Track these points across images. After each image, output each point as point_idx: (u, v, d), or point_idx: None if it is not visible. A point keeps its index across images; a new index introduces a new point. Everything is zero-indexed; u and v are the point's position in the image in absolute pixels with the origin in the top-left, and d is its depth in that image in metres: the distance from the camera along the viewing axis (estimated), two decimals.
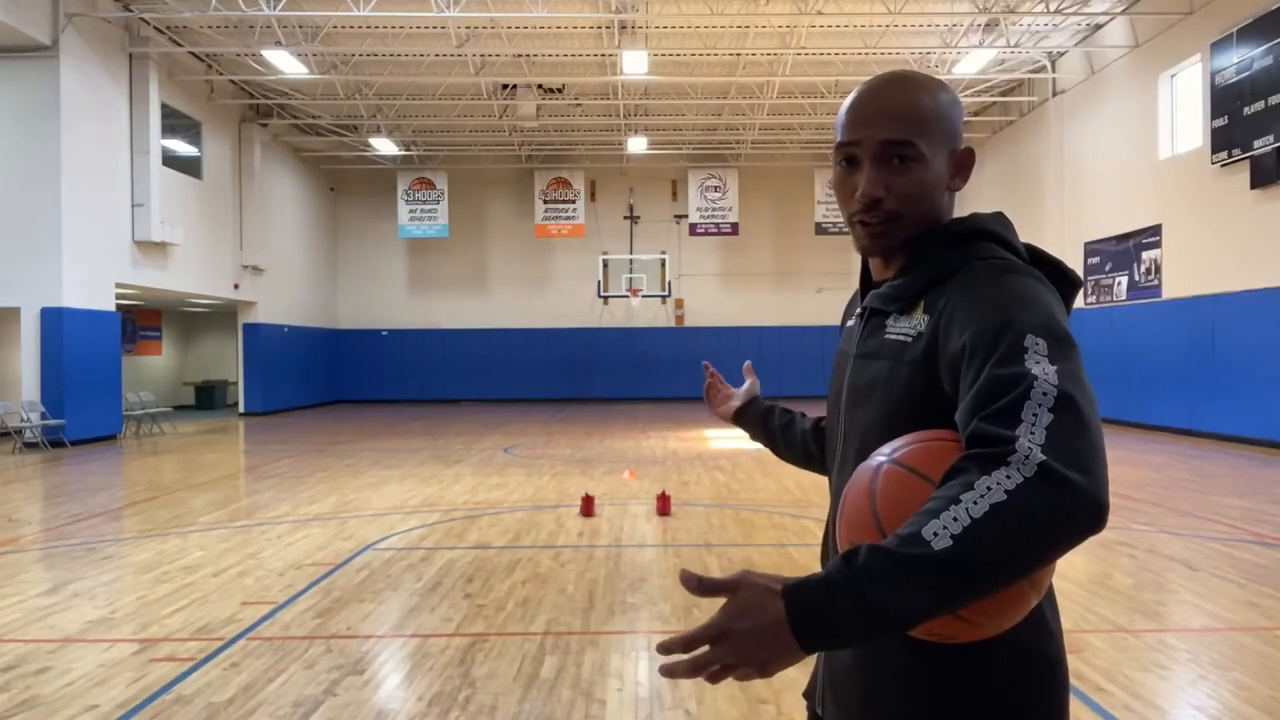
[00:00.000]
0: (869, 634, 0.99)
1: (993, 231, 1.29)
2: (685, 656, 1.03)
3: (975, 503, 0.97)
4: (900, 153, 1.26)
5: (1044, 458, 0.98)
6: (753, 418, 1.97)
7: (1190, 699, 3.86)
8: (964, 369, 1.13)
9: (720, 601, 1.06)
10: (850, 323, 1.52)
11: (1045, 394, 1.03)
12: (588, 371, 27.60)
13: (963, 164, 1.33)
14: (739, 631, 1.01)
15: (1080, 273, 18.26)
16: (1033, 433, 1.01)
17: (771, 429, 1.92)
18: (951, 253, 1.28)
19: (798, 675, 3.97)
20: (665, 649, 1.04)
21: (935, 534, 0.97)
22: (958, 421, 1.11)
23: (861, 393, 1.34)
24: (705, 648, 1.02)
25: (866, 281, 1.45)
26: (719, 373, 2.12)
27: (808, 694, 1.50)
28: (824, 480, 1.59)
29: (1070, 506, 0.97)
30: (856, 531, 1.15)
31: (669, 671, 1.04)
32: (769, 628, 1.00)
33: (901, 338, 1.28)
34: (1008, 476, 0.98)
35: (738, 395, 2.03)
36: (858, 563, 0.99)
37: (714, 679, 1.03)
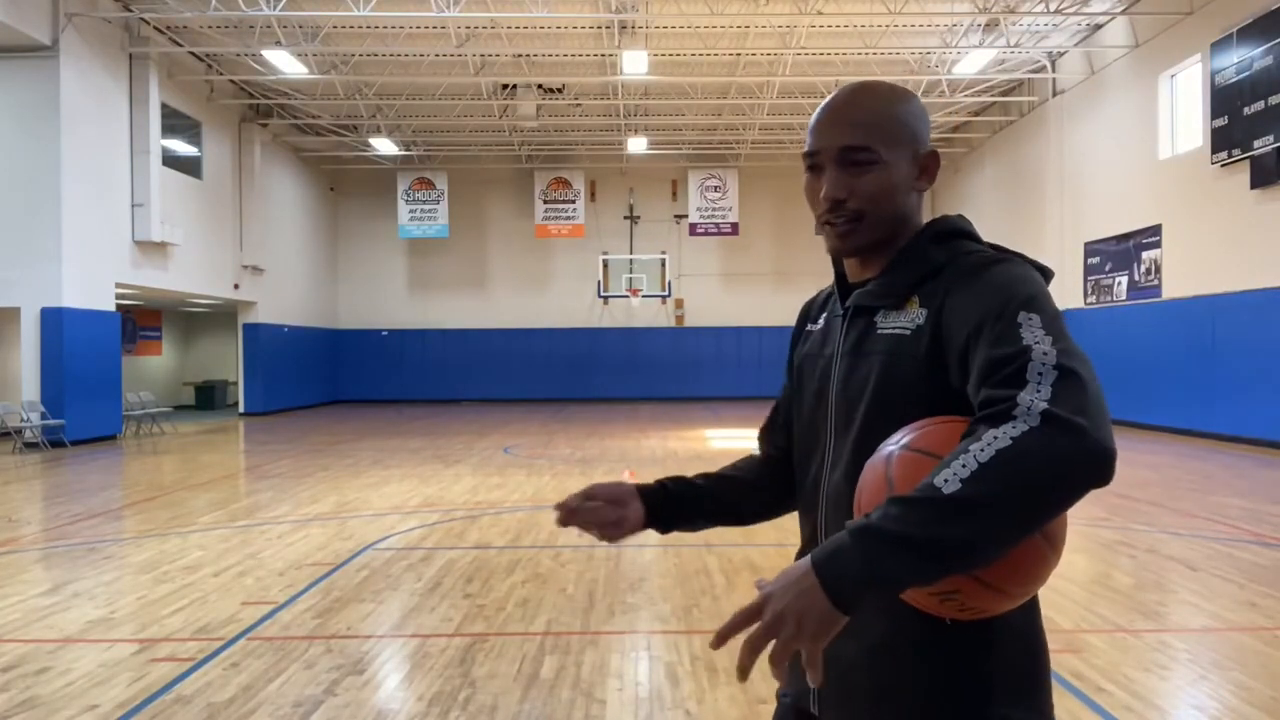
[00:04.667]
0: (889, 580, 1.04)
1: (968, 230, 1.39)
2: (742, 641, 1.06)
3: (982, 450, 1.03)
4: (858, 158, 1.34)
5: (1046, 406, 1.04)
6: (664, 501, 1.55)
7: (1190, 699, 3.86)
8: (970, 355, 1.20)
9: None
10: (815, 327, 1.53)
11: (1045, 359, 1.09)
12: (588, 371, 27.59)
13: (927, 166, 1.40)
14: (776, 597, 1.05)
15: (1080, 273, 18.30)
16: (1038, 390, 1.06)
17: (704, 495, 1.59)
18: (937, 250, 1.35)
19: None
20: (719, 639, 1.08)
21: (945, 480, 1.03)
22: (971, 402, 1.17)
23: (856, 389, 1.36)
24: (755, 626, 1.06)
25: (842, 286, 1.48)
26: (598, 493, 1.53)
27: (787, 693, 1.47)
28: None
29: (1075, 450, 1.02)
30: None
31: (740, 668, 1.06)
32: (804, 591, 1.04)
33: (899, 332, 1.32)
34: (1013, 427, 1.04)
35: (625, 495, 1.53)
36: (872, 515, 1.06)
37: (775, 658, 1.06)
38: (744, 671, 1.06)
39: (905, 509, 1.03)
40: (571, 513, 1.49)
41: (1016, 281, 1.23)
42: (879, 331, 1.35)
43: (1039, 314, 1.16)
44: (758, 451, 1.70)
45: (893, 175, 1.35)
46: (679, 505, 1.57)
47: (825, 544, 1.08)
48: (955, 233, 1.38)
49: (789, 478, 1.57)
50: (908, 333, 1.30)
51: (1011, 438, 1.03)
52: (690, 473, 1.64)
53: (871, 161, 1.33)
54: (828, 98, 1.41)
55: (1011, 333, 1.14)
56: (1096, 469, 1.02)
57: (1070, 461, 1.02)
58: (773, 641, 1.05)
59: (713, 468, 1.68)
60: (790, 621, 1.04)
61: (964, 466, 1.03)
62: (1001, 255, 1.31)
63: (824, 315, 1.53)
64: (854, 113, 1.35)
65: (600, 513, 1.50)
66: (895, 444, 1.21)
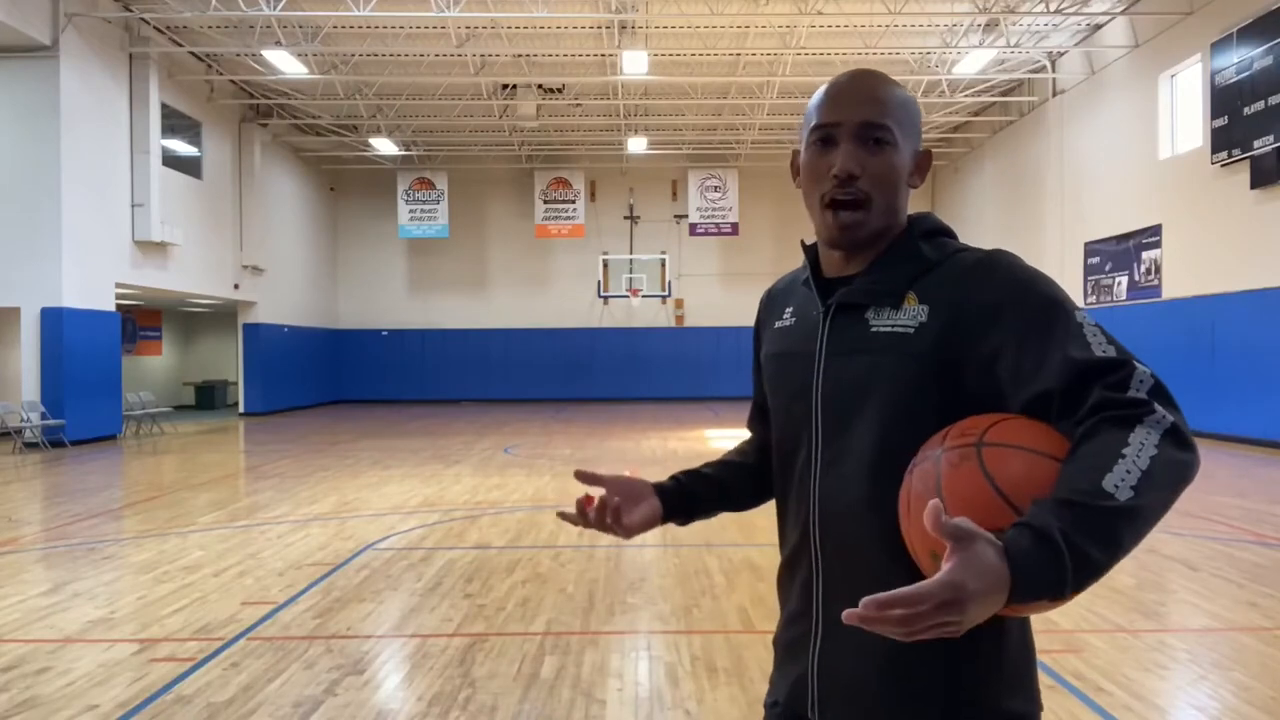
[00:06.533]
0: (1071, 588, 1.02)
1: (950, 229, 1.40)
2: (895, 612, 0.96)
3: (1139, 456, 1.06)
4: (877, 135, 1.31)
5: (1173, 420, 1.10)
6: (681, 496, 1.57)
7: (1190, 699, 3.86)
8: (1014, 353, 1.20)
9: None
10: (784, 323, 1.48)
11: (1144, 370, 1.14)
12: (588, 371, 27.59)
13: (922, 164, 1.39)
14: (973, 594, 0.97)
15: (1080, 273, 18.30)
16: (1148, 398, 1.11)
17: (714, 485, 1.61)
18: (927, 246, 1.35)
19: None
20: (883, 605, 0.96)
21: (1116, 486, 1.04)
22: (1035, 399, 1.17)
23: (851, 388, 1.32)
24: (924, 607, 0.96)
25: (818, 280, 1.41)
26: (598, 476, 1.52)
27: (777, 702, 1.44)
28: None
29: (1193, 462, 1.10)
30: (980, 518, 1.04)
31: (866, 621, 0.97)
32: (996, 589, 0.98)
33: (901, 330, 1.29)
34: (1148, 434, 1.08)
35: (640, 490, 1.54)
36: (1052, 523, 1.01)
37: (913, 637, 0.98)
38: (866, 623, 0.97)
39: (1089, 517, 1.01)
40: (585, 513, 1.49)
41: (1041, 279, 1.26)
42: (874, 330, 1.31)
43: (1089, 319, 1.21)
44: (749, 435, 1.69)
45: (901, 161, 1.33)
46: (693, 499, 1.59)
47: (1021, 539, 1.00)
48: (940, 230, 1.38)
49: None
50: (910, 330, 1.28)
51: (1155, 446, 1.06)
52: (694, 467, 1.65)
53: (888, 142, 1.32)
54: (836, 77, 1.38)
55: (1080, 337, 1.17)
56: (1193, 479, 1.10)
57: (1191, 474, 1.09)
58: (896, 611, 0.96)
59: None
60: (966, 621, 0.98)
61: (1129, 473, 1.04)
62: (1001, 252, 1.32)
63: (790, 310, 1.47)
64: (876, 91, 1.34)
65: (614, 508, 1.49)
66: (974, 441, 1.14)
